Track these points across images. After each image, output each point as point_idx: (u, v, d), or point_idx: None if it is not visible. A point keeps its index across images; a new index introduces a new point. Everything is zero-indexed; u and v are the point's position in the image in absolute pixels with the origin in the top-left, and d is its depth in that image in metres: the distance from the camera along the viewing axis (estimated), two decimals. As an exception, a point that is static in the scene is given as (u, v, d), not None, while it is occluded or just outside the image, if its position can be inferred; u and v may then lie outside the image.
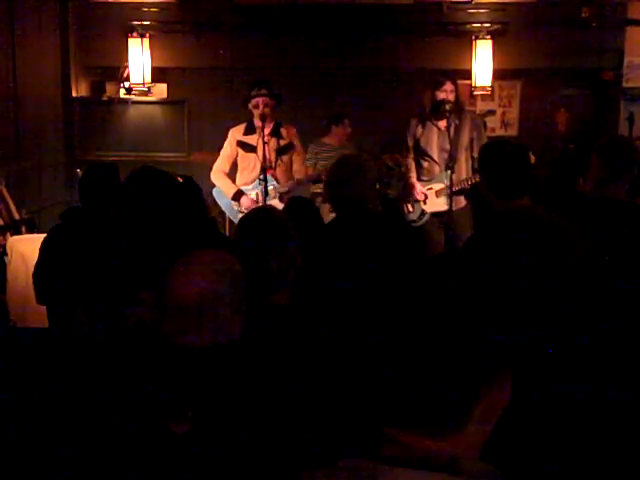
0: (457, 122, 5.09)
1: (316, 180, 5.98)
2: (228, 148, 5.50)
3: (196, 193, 3.48)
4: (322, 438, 1.77)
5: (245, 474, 1.62)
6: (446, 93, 5.08)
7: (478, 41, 7.17)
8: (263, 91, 5.24)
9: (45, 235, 3.64)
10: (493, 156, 3.14)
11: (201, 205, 3.52)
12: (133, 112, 7.52)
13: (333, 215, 5.73)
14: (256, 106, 5.26)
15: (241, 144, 5.43)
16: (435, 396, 0.96)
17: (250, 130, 5.39)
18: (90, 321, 3.04)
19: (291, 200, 4.20)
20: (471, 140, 5.19)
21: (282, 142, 5.40)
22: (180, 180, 3.17)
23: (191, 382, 1.66)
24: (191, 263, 1.83)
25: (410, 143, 5.31)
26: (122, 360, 2.16)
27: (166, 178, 2.95)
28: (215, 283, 1.78)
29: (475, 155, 5.17)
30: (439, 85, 5.10)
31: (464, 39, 7.23)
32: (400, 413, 0.98)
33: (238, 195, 5.41)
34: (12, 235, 5.01)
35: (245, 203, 5.38)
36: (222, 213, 5.89)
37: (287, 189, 5.41)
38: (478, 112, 7.23)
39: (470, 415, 0.99)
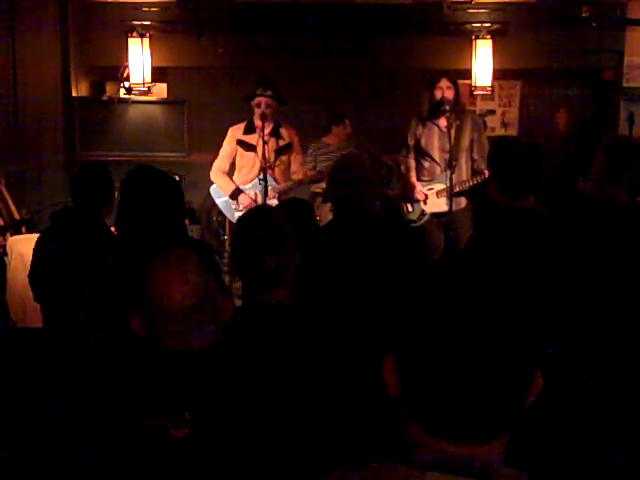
0: (458, 123, 5.07)
1: (315, 181, 5.98)
2: (227, 147, 5.50)
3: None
4: (346, 442, 1.75)
5: (249, 477, 1.61)
6: (442, 90, 5.06)
7: (478, 41, 7.16)
8: (268, 92, 5.25)
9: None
10: (506, 155, 3.08)
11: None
12: (133, 112, 7.52)
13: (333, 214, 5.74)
14: (258, 105, 5.26)
15: (241, 143, 5.43)
16: (479, 403, 0.94)
17: (250, 129, 5.40)
18: (90, 321, 3.03)
19: (286, 201, 4.20)
20: (472, 141, 5.18)
21: (281, 142, 5.40)
22: (177, 178, 3.16)
23: (189, 385, 1.64)
24: (168, 270, 1.73)
25: (411, 142, 5.30)
26: (121, 363, 2.14)
27: (163, 177, 2.95)
28: (202, 279, 1.74)
29: (476, 156, 5.16)
30: (435, 83, 5.09)
31: (464, 39, 7.22)
32: (434, 419, 0.96)
33: (236, 193, 5.41)
34: (12, 235, 5.01)
35: (244, 201, 5.39)
36: (223, 214, 5.89)
37: (285, 189, 5.42)
38: (478, 112, 7.22)
39: (511, 421, 0.97)
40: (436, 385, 0.94)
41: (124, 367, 1.99)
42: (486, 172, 4.82)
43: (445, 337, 0.94)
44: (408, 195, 5.33)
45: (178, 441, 1.57)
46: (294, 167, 5.52)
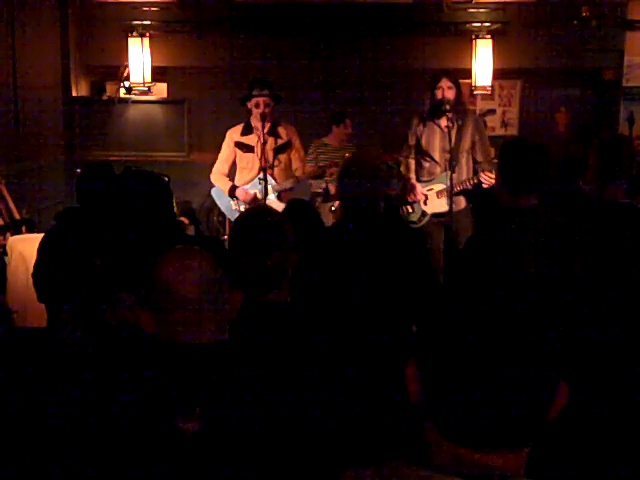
0: (460, 123, 5.06)
1: (316, 176, 5.98)
2: (226, 150, 5.51)
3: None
4: (362, 439, 1.75)
5: (257, 472, 1.61)
6: (442, 90, 5.04)
7: (478, 40, 7.16)
8: (265, 91, 5.25)
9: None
10: (512, 150, 3.07)
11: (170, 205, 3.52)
12: (133, 112, 7.52)
13: (333, 214, 5.74)
14: (257, 105, 5.27)
15: (239, 145, 5.44)
16: (501, 413, 0.92)
17: (247, 130, 5.41)
18: (75, 321, 3.05)
19: (290, 202, 4.21)
20: (473, 142, 5.16)
21: (280, 141, 5.41)
22: (166, 179, 3.16)
23: (200, 379, 1.64)
24: (182, 258, 1.77)
25: (411, 142, 5.28)
26: (126, 360, 2.14)
27: (152, 179, 2.95)
28: (211, 270, 1.75)
29: (478, 158, 5.14)
30: (436, 83, 5.08)
31: (464, 38, 7.23)
32: (455, 427, 0.95)
33: (233, 189, 5.42)
34: (12, 235, 5.01)
35: (241, 195, 5.39)
36: (223, 214, 5.89)
37: (285, 187, 5.42)
38: (478, 112, 7.23)
39: (533, 433, 0.96)
40: (459, 393, 0.93)
41: (131, 363, 1.99)
42: (487, 174, 4.85)
43: (469, 343, 0.93)
44: (408, 196, 5.32)
45: (188, 435, 1.58)
46: (295, 164, 5.53)
